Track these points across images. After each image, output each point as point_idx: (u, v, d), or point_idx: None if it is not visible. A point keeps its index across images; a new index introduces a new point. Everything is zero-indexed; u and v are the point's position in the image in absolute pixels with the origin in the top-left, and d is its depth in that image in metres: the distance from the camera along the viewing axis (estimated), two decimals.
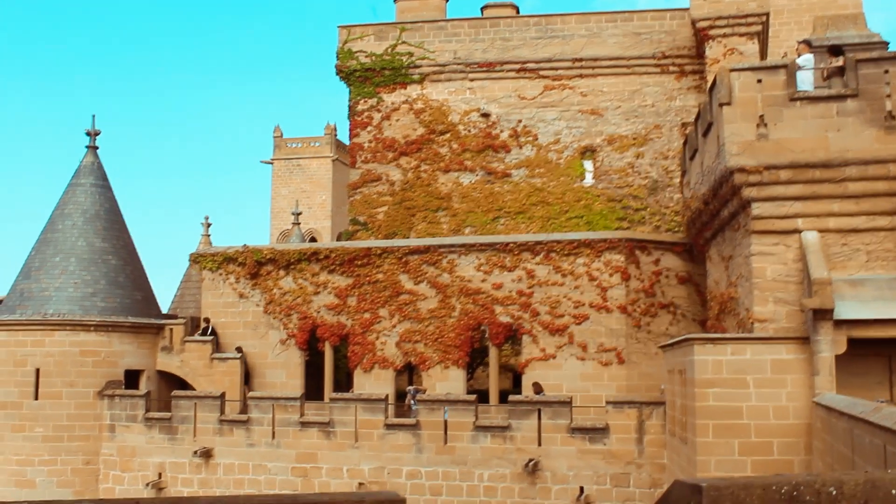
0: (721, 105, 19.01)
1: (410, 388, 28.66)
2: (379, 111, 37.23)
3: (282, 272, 30.35)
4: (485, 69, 36.32)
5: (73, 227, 30.17)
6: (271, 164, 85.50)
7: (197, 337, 29.79)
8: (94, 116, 32.20)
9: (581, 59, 35.40)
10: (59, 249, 29.77)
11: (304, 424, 26.08)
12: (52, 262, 29.57)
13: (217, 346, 29.83)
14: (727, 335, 19.46)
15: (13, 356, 28.26)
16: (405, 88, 37.09)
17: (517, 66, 36.03)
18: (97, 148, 31.88)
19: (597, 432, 23.98)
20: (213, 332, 30.05)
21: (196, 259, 31.85)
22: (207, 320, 30.45)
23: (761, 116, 18.48)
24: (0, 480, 27.62)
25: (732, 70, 19.08)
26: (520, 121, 35.97)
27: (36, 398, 27.78)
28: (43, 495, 26.50)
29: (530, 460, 24.11)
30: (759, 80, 18.66)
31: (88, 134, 31.82)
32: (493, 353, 29.09)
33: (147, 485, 26.99)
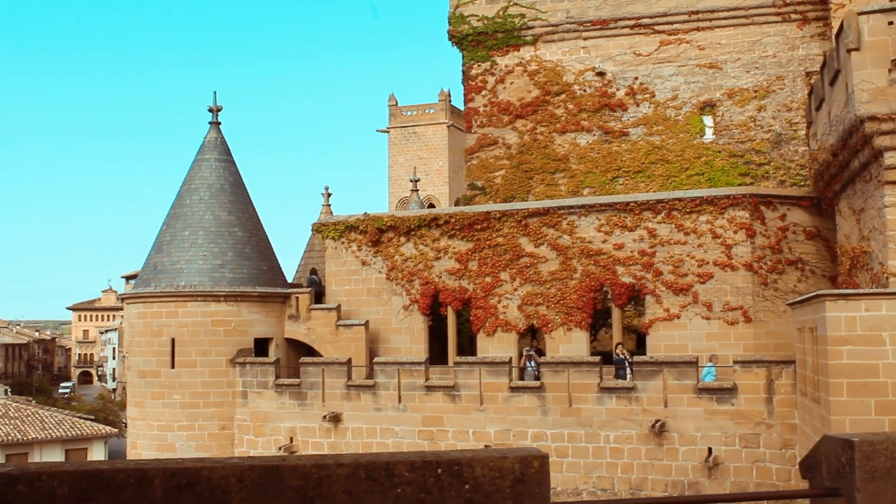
0: (849, 51, 18.28)
1: (526, 348, 28.63)
2: (493, 75, 37.10)
3: (402, 239, 30.69)
4: (598, 27, 35.75)
5: (200, 201, 31.10)
6: (387, 132, 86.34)
7: (318, 307, 30.53)
8: (215, 93, 33.06)
9: (697, 12, 34.49)
10: (187, 223, 30.75)
11: (430, 388, 26.43)
12: (181, 236, 30.58)
13: (321, 298, 31.14)
14: (861, 291, 18.83)
15: (150, 327, 29.46)
16: (518, 50, 36.84)
17: (631, 23, 35.35)
18: (220, 123, 32.69)
19: (724, 392, 23.57)
20: (319, 283, 31.09)
21: (319, 228, 32.47)
22: (314, 271, 31.50)
23: (893, 61, 17.70)
24: (143, 445, 28.98)
25: (861, 13, 18.30)
26: (636, 78, 35.33)
27: (172, 367, 28.90)
28: None
29: (657, 421, 23.90)
30: (891, 23, 17.86)
31: (211, 110, 32.64)
32: (615, 314, 28.86)
33: (280, 448, 27.84)
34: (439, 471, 3.09)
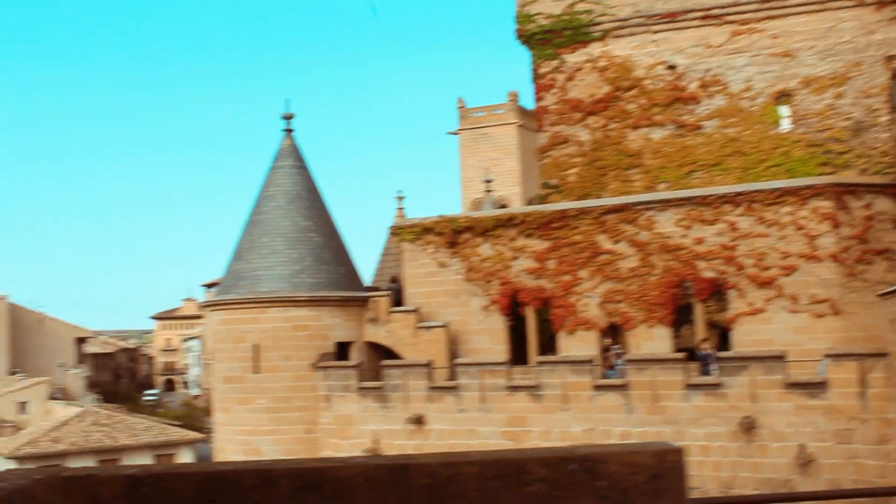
0: None
1: (615, 346, 28.35)
2: (562, 72, 36.87)
3: (479, 239, 30.65)
4: (667, 20, 35.29)
5: (277, 208, 31.48)
6: (457, 134, 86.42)
7: (398, 308, 30.66)
8: (287, 101, 33.44)
9: (769, 0, 33.83)
10: (266, 230, 31.15)
11: (512, 389, 26.34)
12: (260, 243, 30.99)
13: (399, 301, 31.45)
14: None
15: (233, 333, 29.90)
16: (587, 47, 36.54)
17: (701, 14, 34.83)
18: (293, 130, 33.06)
19: (815, 387, 23.04)
20: (399, 288, 31.88)
21: (395, 231, 32.59)
22: (394, 279, 32.66)
23: None
24: (231, 449, 29.40)
25: None
26: (708, 70, 34.79)
27: (257, 372, 29.28)
28: None
29: (745, 418, 23.47)
30: None
31: (284, 118, 33.06)
32: (698, 309, 28.44)
33: (365, 451, 27.99)
34: (572, 467, 3.05)
